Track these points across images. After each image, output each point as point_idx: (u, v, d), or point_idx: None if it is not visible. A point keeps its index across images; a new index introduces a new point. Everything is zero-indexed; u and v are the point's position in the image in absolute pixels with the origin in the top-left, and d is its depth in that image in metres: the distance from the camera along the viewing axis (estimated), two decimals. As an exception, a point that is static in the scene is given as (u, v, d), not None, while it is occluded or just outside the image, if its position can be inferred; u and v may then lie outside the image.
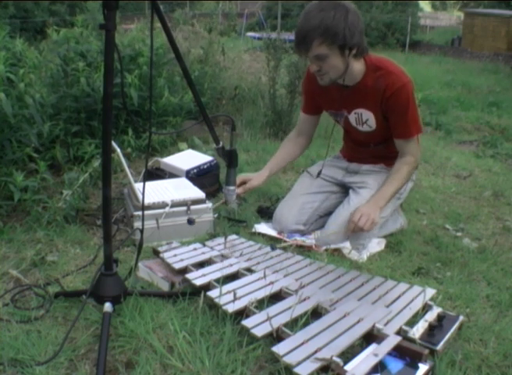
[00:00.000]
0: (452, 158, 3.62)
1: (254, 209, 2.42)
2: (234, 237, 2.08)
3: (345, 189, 2.29)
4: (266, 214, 2.35)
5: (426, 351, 1.32)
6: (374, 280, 1.73)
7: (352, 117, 2.16)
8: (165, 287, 1.70)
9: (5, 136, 2.20)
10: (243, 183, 2.22)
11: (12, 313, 1.53)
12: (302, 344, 1.32)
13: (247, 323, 1.40)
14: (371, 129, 2.14)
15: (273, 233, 2.18)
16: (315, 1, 1.93)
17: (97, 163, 2.44)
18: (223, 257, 1.87)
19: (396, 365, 1.30)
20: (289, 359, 1.26)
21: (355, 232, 1.97)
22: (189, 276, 1.68)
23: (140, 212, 1.94)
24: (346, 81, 2.04)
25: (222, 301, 1.51)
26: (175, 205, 2.09)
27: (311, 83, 2.22)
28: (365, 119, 2.12)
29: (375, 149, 2.25)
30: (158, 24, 1.96)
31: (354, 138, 2.30)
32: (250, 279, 1.67)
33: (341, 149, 2.47)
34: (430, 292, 1.65)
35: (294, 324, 1.44)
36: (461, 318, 1.53)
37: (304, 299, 1.55)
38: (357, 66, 2.01)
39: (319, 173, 2.29)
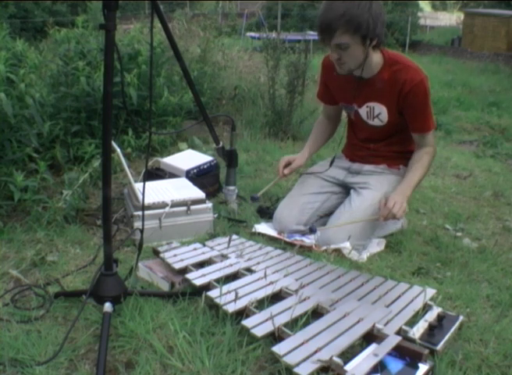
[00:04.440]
0: (452, 158, 3.62)
1: (254, 209, 2.42)
2: (234, 237, 2.08)
3: (346, 189, 2.29)
4: (266, 214, 2.35)
5: (426, 351, 1.32)
6: (374, 280, 1.73)
7: (363, 111, 2.17)
8: (165, 287, 1.70)
9: (5, 136, 2.20)
10: (288, 164, 2.27)
11: (12, 313, 1.53)
12: (302, 344, 1.32)
13: (247, 323, 1.40)
14: (382, 123, 2.15)
15: (273, 233, 2.17)
16: None
17: (97, 163, 2.44)
18: (223, 257, 1.87)
19: (396, 365, 1.30)
20: (289, 359, 1.26)
21: (387, 219, 1.98)
22: (189, 276, 1.68)
23: (140, 212, 1.94)
24: (364, 73, 2.05)
25: (222, 301, 1.51)
26: (175, 205, 2.09)
27: (325, 75, 2.26)
28: (377, 113, 2.13)
29: (376, 147, 2.26)
30: (158, 24, 1.97)
31: (359, 135, 2.30)
32: (250, 279, 1.67)
33: (343, 149, 2.47)
34: (430, 292, 1.65)
35: (294, 324, 1.44)
36: (461, 318, 1.53)
37: (304, 299, 1.55)
38: (375, 59, 2.03)
39: (332, 163, 2.31)
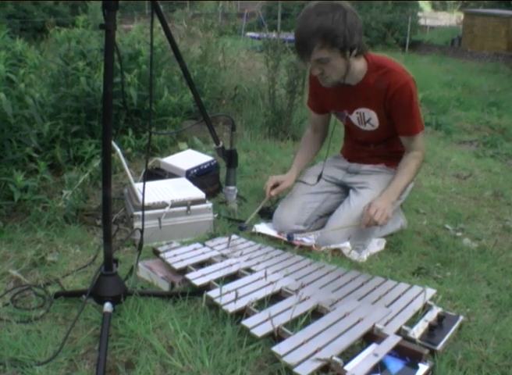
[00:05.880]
0: (452, 158, 3.62)
1: (254, 209, 2.42)
2: (234, 237, 2.08)
3: (345, 189, 2.29)
4: (266, 214, 2.35)
5: (426, 351, 1.32)
6: (374, 280, 1.73)
7: (354, 117, 2.17)
8: (165, 287, 1.70)
9: (5, 136, 2.20)
10: (276, 185, 2.26)
11: (12, 313, 1.53)
12: (302, 344, 1.32)
13: (247, 323, 1.40)
14: (374, 128, 2.15)
15: (273, 233, 2.18)
16: (312, 2, 1.93)
17: (97, 163, 2.43)
18: (223, 257, 1.87)
19: (396, 365, 1.30)
20: (290, 359, 1.26)
21: (369, 226, 1.97)
22: (189, 276, 1.68)
23: (140, 212, 1.94)
24: (348, 80, 2.05)
25: (222, 301, 1.51)
26: (175, 205, 2.09)
27: (313, 84, 2.26)
28: (368, 118, 2.13)
29: (375, 149, 2.26)
30: (158, 24, 1.97)
31: (356, 138, 2.30)
32: (250, 279, 1.67)
33: (341, 149, 2.47)
34: (430, 292, 1.65)
35: (294, 324, 1.44)
36: (461, 318, 1.53)
37: (304, 299, 1.55)
38: (359, 66, 2.02)
39: (319, 177, 2.29)
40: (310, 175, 2.36)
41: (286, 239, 2.12)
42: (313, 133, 2.43)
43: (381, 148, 2.25)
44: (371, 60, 2.05)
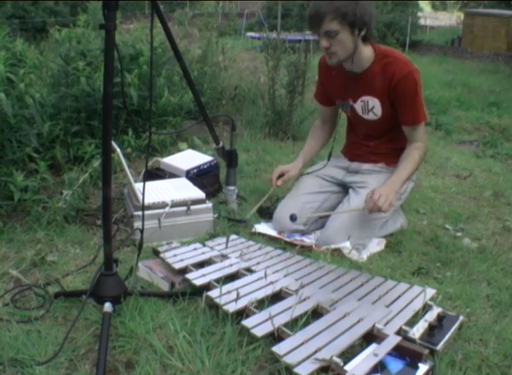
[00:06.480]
0: (452, 158, 3.62)
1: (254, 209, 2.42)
2: (234, 237, 2.08)
3: (345, 189, 2.30)
4: (266, 214, 2.35)
5: (426, 351, 1.32)
6: (374, 280, 1.73)
7: (358, 105, 2.19)
8: (165, 287, 1.70)
9: (5, 136, 2.20)
10: (282, 175, 2.30)
11: (12, 313, 1.53)
12: (302, 344, 1.32)
13: (247, 323, 1.40)
14: (377, 117, 2.16)
15: (273, 233, 2.18)
16: None
17: (97, 163, 2.44)
18: (223, 257, 1.87)
19: (396, 365, 1.30)
20: (290, 359, 1.26)
21: (373, 212, 1.98)
22: (189, 276, 1.68)
23: (140, 212, 1.94)
24: (355, 67, 2.08)
25: (222, 301, 1.51)
26: (175, 205, 2.09)
27: (321, 73, 2.29)
28: (371, 106, 2.14)
29: (376, 145, 2.26)
30: (158, 24, 1.97)
31: (358, 131, 2.31)
32: (250, 279, 1.67)
33: (342, 149, 2.47)
34: (430, 292, 1.65)
35: (294, 324, 1.44)
36: (461, 318, 1.53)
37: (304, 299, 1.55)
38: (366, 52, 2.06)
39: (329, 157, 2.33)
40: (318, 165, 2.39)
41: (286, 239, 2.12)
42: (321, 125, 2.46)
43: (381, 144, 2.26)
44: (379, 50, 2.10)
